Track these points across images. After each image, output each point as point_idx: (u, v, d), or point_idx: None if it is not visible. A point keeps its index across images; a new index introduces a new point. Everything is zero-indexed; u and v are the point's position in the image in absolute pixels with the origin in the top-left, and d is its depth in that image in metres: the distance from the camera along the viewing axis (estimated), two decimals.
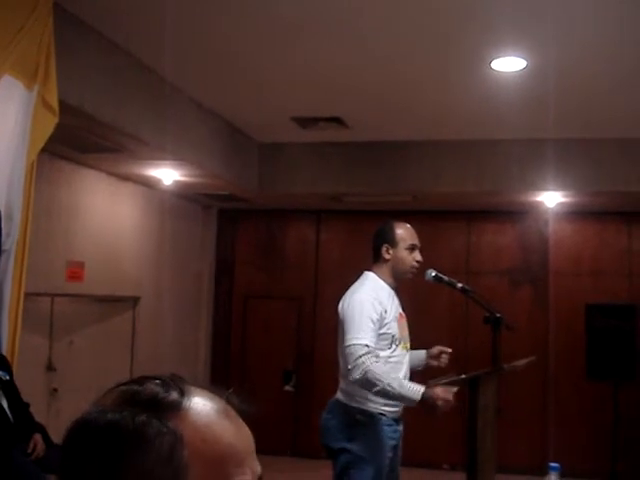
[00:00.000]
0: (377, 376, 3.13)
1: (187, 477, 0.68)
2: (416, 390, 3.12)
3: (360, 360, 3.15)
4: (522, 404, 7.12)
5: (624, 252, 7.37)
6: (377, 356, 3.23)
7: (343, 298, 3.43)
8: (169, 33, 4.15)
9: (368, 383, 3.15)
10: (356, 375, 3.15)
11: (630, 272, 7.33)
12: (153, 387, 0.73)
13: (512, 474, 6.32)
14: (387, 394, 3.16)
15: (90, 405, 0.73)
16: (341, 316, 3.35)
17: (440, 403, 3.06)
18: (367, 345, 3.18)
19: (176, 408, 0.71)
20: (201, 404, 0.73)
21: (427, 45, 4.35)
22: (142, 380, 0.74)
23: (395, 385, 3.14)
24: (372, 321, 3.25)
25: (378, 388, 3.14)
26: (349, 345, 3.20)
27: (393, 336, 3.37)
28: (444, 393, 3.07)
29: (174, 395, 0.72)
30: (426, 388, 3.12)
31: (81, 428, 0.71)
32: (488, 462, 3.25)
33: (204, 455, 0.70)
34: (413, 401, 3.12)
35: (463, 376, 3.24)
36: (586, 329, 6.60)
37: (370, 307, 3.29)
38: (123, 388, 0.74)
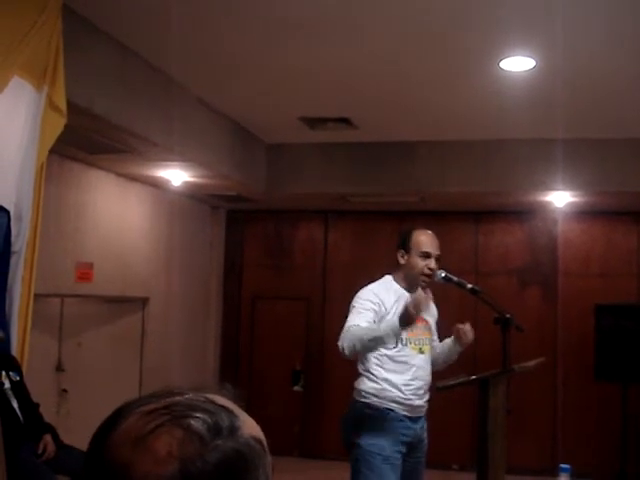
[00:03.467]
0: (354, 332, 3.23)
1: None
2: (393, 320, 3.19)
3: (341, 334, 3.28)
4: (532, 405, 7.09)
5: (633, 252, 7.33)
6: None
7: None
8: (177, 34, 4.16)
9: (351, 344, 3.21)
10: (343, 344, 3.24)
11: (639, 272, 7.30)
12: (218, 413, 0.74)
13: (522, 475, 6.30)
14: (376, 338, 3.20)
15: (168, 450, 0.69)
16: None
17: (411, 308, 3.11)
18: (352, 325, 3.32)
19: (240, 427, 0.74)
20: (247, 418, 0.77)
21: (435, 45, 4.34)
22: (202, 409, 0.73)
23: (373, 327, 3.26)
24: (364, 309, 3.36)
25: (365, 340, 3.19)
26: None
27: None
28: (412, 304, 3.13)
29: (232, 417, 0.75)
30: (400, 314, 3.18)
31: (191, 468, 0.68)
32: (498, 463, 3.25)
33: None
34: (395, 327, 3.15)
35: (473, 377, 3.25)
36: (595, 329, 6.58)
37: (365, 297, 3.43)
38: (204, 419, 0.72)
